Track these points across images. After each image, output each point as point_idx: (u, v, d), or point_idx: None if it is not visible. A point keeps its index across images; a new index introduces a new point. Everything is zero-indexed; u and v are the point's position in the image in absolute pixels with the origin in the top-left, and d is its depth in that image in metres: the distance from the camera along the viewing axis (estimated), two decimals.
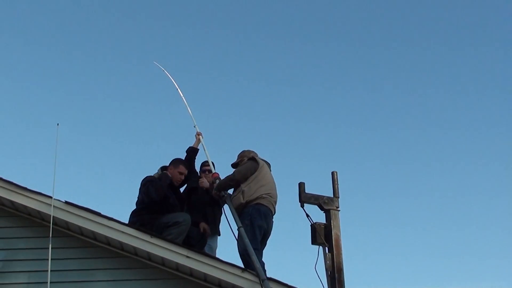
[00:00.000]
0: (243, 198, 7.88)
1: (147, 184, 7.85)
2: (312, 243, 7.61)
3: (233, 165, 8.45)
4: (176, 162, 8.36)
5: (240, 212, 7.87)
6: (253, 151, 8.49)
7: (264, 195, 7.91)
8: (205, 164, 9.05)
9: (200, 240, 8.06)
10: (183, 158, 8.92)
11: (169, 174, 8.26)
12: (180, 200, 8.31)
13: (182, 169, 8.30)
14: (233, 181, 8.04)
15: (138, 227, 7.11)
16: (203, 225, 8.24)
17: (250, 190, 7.88)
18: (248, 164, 8.15)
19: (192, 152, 9.05)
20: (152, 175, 8.31)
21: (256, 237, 7.62)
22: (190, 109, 9.50)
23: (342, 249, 7.54)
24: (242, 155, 8.48)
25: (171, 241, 7.06)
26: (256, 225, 7.68)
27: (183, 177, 8.31)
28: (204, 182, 8.83)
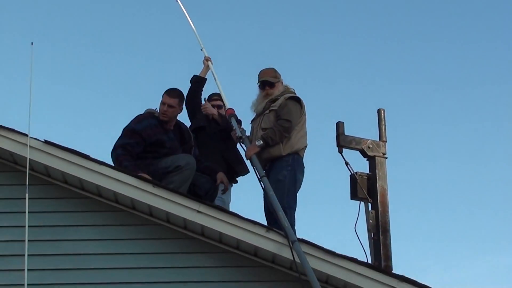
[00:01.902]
0: (284, 149, 7.29)
1: (119, 145, 7.29)
2: (351, 198, 7.36)
3: (265, 82, 7.67)
4: (163, 93, 7.64)
5: (270, 161, 7.32)
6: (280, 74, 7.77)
7: (303, 147, 7.43)
8: (214, 97, 8.43)
9: (209, 191, 7.49)
10: (190, 91, 8.25)
11: (156, 113, 7.59)
12: (181, 139, 7.65)
13: (165, 98, 7.52)
14: (290, 131, 7.33)
15: (137, 174, 6.60)
16: (220, 176, 7.65)
17: (292, 139, 7.34)
18: (295, 107, 7.46)
19: (197, 82, 8.36)
20: (149, 111, 7.64)
21: (295, 193, 7.21)
22: (195, 27, 8.73)
23: (389, 205, 7.23)
24: (276, 75, 7.72)
25: (179, 192, 6.53)
26: (298, 179, 7.24)
27: (167, 108, 7.49)
28: (209, 108, 8.19)
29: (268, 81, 7.63)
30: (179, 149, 7.53)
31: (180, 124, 7.75)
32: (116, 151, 7.24)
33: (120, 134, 7.44)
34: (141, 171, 6.96)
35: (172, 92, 7.60)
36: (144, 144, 7.34)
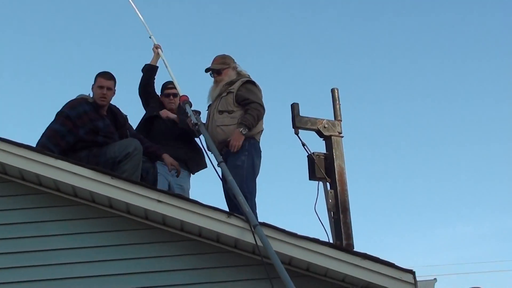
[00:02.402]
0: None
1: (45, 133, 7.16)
2: (310, 178, 7.38)
3: (211, 70, 7.83)
4: (95, 77, 7.50)
5: (226, 145, 7.41)
6: (233, 60, 7.85)
7: (259, 131, 7.54)
8: (168, 85, 8.41)
9: (155, 175, 7.53)
10: (142, 80, 8.26)
11: (90, 99, 7.45)
12: (115, 123, 7.53)
13: (102, 81, 7.38)
14: (263, 115, 7.48)
15: (94, 167, 6.58)
16: (169, 160, 7.64)
17: None
18: (255, 90, 7.58)
19: (149, 70, 8.37)
20: (82, 97, 7.49)
21: (254, 178, 7.28)
22: (142, 15, 8.71)
23: (347, 184, 7.30)
24: (225, 61, 7.82)
25: (138, 183, 6.55)
26: (255, 163, 7.33)
27: (106, 91, 7.38)
28: (169, 114, 8.18)
29: (213, 69, 7.75)
30: (116, 134, 7.41)
31: (112, 108, 7.57)
32: (41, 139, 7.07)
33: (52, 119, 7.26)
34: (91, 163, 6.88)
35: (107, 75, 7.48)
36: (78, 132, 7.18)
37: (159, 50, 8.37)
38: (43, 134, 7.19)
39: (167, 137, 8.15)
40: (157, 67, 8.41)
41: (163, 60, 8.33)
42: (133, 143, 7.21)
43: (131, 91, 8.52)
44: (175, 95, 8.31)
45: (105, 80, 7.42)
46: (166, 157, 7.65)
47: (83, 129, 7.21)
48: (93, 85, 7.49)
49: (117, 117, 7.56)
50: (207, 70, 7.83)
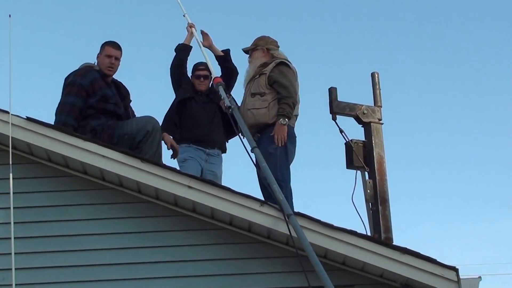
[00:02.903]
0: (271, 117, 7.26)
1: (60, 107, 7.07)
2: (347, 167, 7.31)
3: (246, 52, 7.76)
4: (101, 46, 7.41)
5: (257, 130, 7.32)
6: (269, 41, 7.69)
7: (294, 116, 7.39)
8: (199, 67, 8.26)
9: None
10: (174, 59, 8.11)
11: (96, 67, 7.36)
12: (118, 94, 7.41)
13: (110, 50, 7.31)
14: (296, 101, 7.40)
15: (124, 150, 6.46)
16: (168, 139, 7.65)
17: None
18: (290, 73, 7.45)
19: (182, 50, 8.22)
20: (87, 65, 7.39)
21: (288, 165, 7.16)
22: None
23: (387, 174, 7.17)
24: (257, 43, 7.73)
25: (168, 167, 6.40)
26: (289, 150, 7.21)
27: (114, 61, 7.31)
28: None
29: (245, 50, 7.67)
30: (121, 104, 7.33)
31: (114, 80, 7.49)
32: (61, 116, 6.97)
33: (63, 90, 7.16)
34: (105, 134, 6.86)
35: (116, 44, 7.40)
36: (89, 101, 7.08)
37: (193, 29, 8.22)
38: (60, 109, 7.08)
39: (201, 119, 8.01)
40: (191, 47, 8.26)
41: (197, 41, 8.18)
42: (151, 120, 7.10)
43: (164, 71, 8.37)
44: (206, 77, 8.16)
45: (114, 49, 7.35)
46: (166, 136, 7.61)
47: (94, 97, 7.12)
48: (98, 54, 7.40)
49: (120, 89, 7.47)
50: (244, 51, 7.77)
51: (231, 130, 7.79)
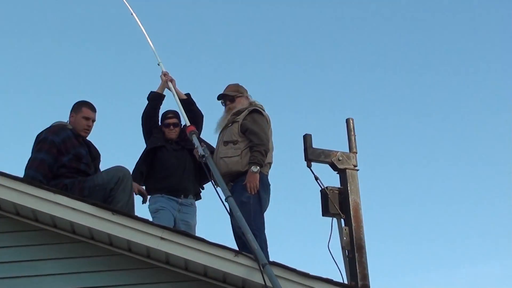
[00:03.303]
0: (243, 165, 7.26)
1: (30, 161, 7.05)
2: (323, 215, 7.15)
3: (224, 97, 7.69)
4: (77, 105, 7.41)
5: (230, 179, 7.28)
6: (246, 90, 7.71)
7: (267, 163, 7.40)
8: (168, 115, 8.26)
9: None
10: (147, 108, 8.10)
11: (69, 126, 7.34)
12: (93, 157, 7.42)
13: (88, 112, 7.36)
14: (268, 149, 7.38)
15: (94, 202, 6.40)
16: (135, 185, 7.54)
17: None
18: (261, 121, 7.45)
19: (155, 99, 8.21)
20: (60, 123, 7.36)
21: (262, 214, 7.14)
22: (151, 41, 8.57)
23: (363, 220, 7.05)
24: (238, 89, 7.72)
25: (140, 218, 6.34)
26: (263, 198, 7.19)
27: (91, 123, 7.35)
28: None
29: (227, 95, 7.62)
30: (92, 165, 7.31)
31: (85, 140, 7.48)
32: (30, 171, 6.92)
33: (34, 146, 7.12)
34: (75, 188, 6.83)
35: (93, 106, 7.42)
36: (62, 159, 7.06)
37: (169, 82, 8.18)
38: (29, 165, 7.04)
39: (172, 168, 7.97)
40: (164, 95, 8.25)
41: (171, 89, 8.17)
42: (122, 169, 7.09)
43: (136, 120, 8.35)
44: (176, 124, 8.19)
45: (91, 112, 7.38)
46: (135, 184, 7.55)
47: (67, 155, 7.11)
48: (73, 113, 7.39)
49: (91, 149, 7.45)
50: (220, 97, 7.69)
51: (204, 176, 7.76)
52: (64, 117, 7.47)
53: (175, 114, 8.16)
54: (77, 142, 7.24)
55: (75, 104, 7.44)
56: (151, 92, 8.21)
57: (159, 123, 8.27)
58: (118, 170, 7.07)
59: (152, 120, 8.16)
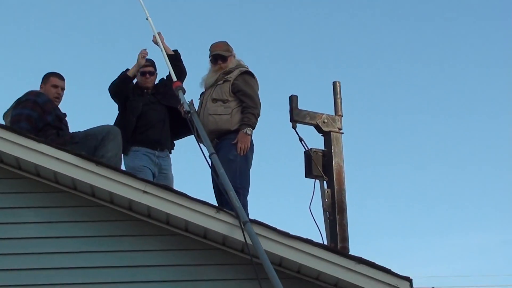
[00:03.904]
0: (233, 123, 7.29)
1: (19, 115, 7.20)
2: (306, 176, 7.29)
3: (217, 56, 7.62)
4: (45, 76, 7.70)
5: (217, 136, 7.31)
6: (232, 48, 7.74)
7: None
8: (145, 64, 8.19)
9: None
10: (114, 87, 8.11)
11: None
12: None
13: (57, 81, 7.64)
14: (260, 112, 7.44)
15: (78, 152, 6.41)
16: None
17: None
18: (254, 84, 7.48)
19: (124, 82, 8.13)
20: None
21: (248, 173, 7.18)
22: None
23: (345, 184, 7.18)
24: (229, 48, 7.71)
25: (124, 171, 6.43)
26: (249, 157, 7.23)
27: (60, 91, 7.63)
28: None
29: (220, 54, 7.60)
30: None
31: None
32: (20, 124, 7.04)
33: (15, 107, 7.28)
34: (66, 136, 7.09)
35: (60, 75, 7.68)
36: (47, 118, 7.25)
37: (158, 38, 8.14)
38: (16, 120, 7.15)
39: (153, 121, 7.98)
40: (132, 80, 8.20)
41: (159, 45, 8.15)
42: (113, 126, 7.33)
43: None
44: (151, 73, 8.17)
45: (60, 80, 7.63)
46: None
47: (50, 115, 7.31)
48: (42, 84, 7.62)
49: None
50: (213, 56, 7.64)
51: (179, 131, 7.92)
52: None
53: (151, 63, 8.16)
54: (55, 106, 7.49)
55: (43, 76, 7.69)
56: (124, 71, 8.09)
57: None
58: (109, 126, 7.32)
59: (122, 95, 8.13)
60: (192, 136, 7.27)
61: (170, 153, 8.13)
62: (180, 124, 7.90)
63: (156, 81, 8.31)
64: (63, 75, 7.72)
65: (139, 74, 8.15)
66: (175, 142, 8.25)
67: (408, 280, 5.86)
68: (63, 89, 7.64)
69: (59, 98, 7.60)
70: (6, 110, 7.49)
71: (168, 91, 8.09)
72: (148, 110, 7.98)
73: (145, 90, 8.12)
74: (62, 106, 7.67)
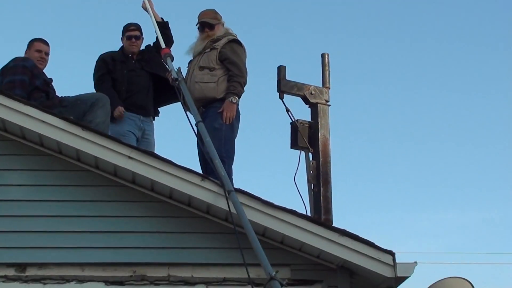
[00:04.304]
0: (219, 92, 7.26)
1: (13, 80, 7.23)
2: (291, 147, 7.25)
3: (204, 24, 7.58)
4: (29, 42, 7.72)
5: (203, 104, 7.27)
6: (221, 16, 7.67)
7: None
8: (130, 27, 8.14)
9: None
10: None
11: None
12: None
13: (41, 46, 7.68)
14: (246, 81, 7.42)
15: (64, 116, 6.38)
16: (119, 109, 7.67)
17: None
18: (242, 52, 7.45)
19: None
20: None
21: (233, 142, 7.18)
22: None
23: (331, 156, 7.13)
24: (216, 16, 7.65)
25: (110, 136, 6.39)
26: (235, 126, 7.22)
27: (44, 55, 7.65)
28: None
29: (207, 22, 7.55)
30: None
31: None
32: (15, 91, 6.98)
33: (4, 73, 7.30)
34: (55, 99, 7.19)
35: (44, 40, 7.70)
36: (35, 82, 7.29)
37: (147, 4, 8.10)
38: (10, 86, 7.10)
39: (137, 87, 7.94)
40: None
41: (148, 11, 8.12)
42: (96, 94, 7.39)
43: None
44: (137, 37, 8.07)
45: (43, 44, 7.66)
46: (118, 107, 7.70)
47: (38, 79, 7.34)
48: (26, 50, 7.64)
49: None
50: (201, 23, 7.59)
51: (162, 99, 7.91)
52: None
53: (137, 27, 8.09)
54: (40, 71, 7.52)
55: (28, 42, 7.70)
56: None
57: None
58: (99, 93, 7.41)
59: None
60: (179, 103, 7.25)
61: (154, 119, 8.10)
62: (164, 91, 7.88)
63: (142, 47, 8.24)
64: (47, 40, 7.74)
65: (125, 38, 8.08)
66: (159, 109, 8.22)
67: (391, 253, 5.90)
68: (47, 53, 7.65)
69: (43, 63, 7.61)
70: None
71: (153, 58, 8.06)
72: (133, 76, 7.93)
73: (130, 55, 8.05)
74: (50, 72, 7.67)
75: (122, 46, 8.13)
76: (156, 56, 8.03)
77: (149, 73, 7.97)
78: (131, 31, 8.07)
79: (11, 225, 6.17)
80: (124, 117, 7.71)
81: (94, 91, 7.82)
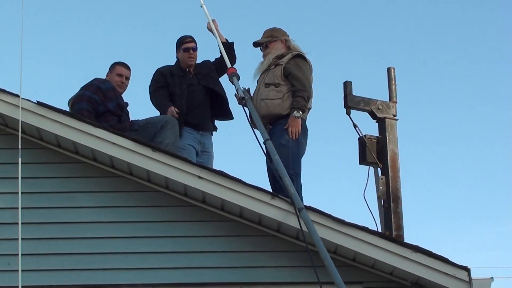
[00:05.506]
0: (284, 108, 7.23)
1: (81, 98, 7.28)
2: (360, 163, 7.15)
3: (258, 45, 7.67)
4: (112, 65, 7.81)
5: (269, 121, 7.27)
6: (284, 33, 7.67)
7: (308, 108, 7.37)
8: (186, 39, 8.06)
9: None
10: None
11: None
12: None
13: (122, 70, 7.74)
14: (311, 95, 7.42)
15: (135, 137, 6.46)
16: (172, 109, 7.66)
17: None
18: (305, 66, 7.43)
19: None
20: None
21: (300, 159, 7.12)
22: None
23: (400, 171, 7.03)
24: (272, 34, 7.68)
25: (179, 157, 6.41)
26: (301, 143, 7.18)
27: (124, 80, 7.71)
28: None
29: (257, 42, 7.67)
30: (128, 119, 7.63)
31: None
32: (81, 104, 7.12)
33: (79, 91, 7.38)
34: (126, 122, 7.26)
35: (126, 64, 7.78)
36: (108, 105, 7.34)
37: (213, 26, 8.13)
38: (78, 100, 7.22)
39: (196, 103, 7.89)
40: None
41: (213, 31, 8.13)
42: (165, 117, 7.43)
43: None
44: (195, 49, 8.03)
45: (125, 69, 7.74)
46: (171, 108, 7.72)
47: (111, 103, 7.40)
48: (108, 73, 7.72)
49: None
50: (255, 45, 7.69)
51: (219, 113, 7.95)
52: None
53: (193, 39, 8.04)
54: (118, 94, 7.60)
55: (110, 65, 7.79)
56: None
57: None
58: (168, 116, 7.45)
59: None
60: (247, 121, 7.27)
61: (212, 134, 8.11)
62: (217, 108, 7.94)
63: (199, 61, 8.23)
64: (129, 65, 7.82)
65: (181, 51, 8.08)
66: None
67: (466, 269, 5.81)
68: (127, 78, 7.72)
69: (122, 87, 7.70)
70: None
71: (209, 73, 8.06)
72: (192, 91, 7.94)
73: (188, 70, 8.07)
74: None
75: (178, 60, 8.13)
76: (213, 71, 8.06)
77: (205, 88, 7.98)
78: (188, 43, 8.05)
79: (83, 247, 6.24)
80: (184, 131, 7.73)
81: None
